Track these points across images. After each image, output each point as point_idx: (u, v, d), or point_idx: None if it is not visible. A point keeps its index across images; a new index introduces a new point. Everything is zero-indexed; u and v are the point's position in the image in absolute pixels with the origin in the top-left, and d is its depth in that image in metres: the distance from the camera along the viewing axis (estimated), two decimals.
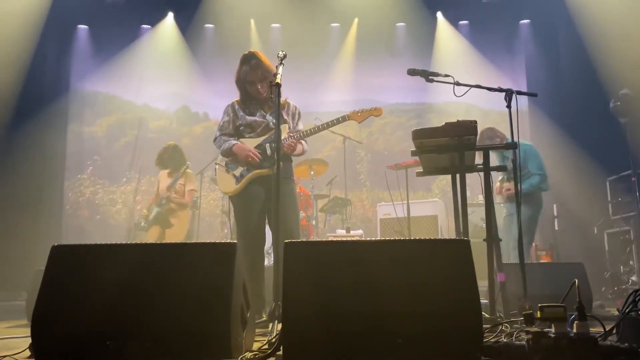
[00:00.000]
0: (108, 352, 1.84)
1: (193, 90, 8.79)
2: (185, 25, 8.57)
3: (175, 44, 8.64)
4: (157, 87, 8.71)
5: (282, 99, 3.50)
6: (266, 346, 2.18)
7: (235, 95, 3.67)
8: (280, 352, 1.90)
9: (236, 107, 3.60)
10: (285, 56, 3.14)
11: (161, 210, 5.55)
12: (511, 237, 4.96)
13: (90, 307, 1.93)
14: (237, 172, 3.51)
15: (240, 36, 8.57)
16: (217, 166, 3.64)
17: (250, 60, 3.46)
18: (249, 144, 3.51)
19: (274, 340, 2.17)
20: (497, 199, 5.25)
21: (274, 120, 3.14)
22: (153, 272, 2.00)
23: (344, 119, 3.56)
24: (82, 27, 8.48)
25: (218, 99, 7.97)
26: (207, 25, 8.70)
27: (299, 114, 3.70)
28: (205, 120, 8.80)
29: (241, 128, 3.56)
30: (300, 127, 3.65)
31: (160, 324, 1.90)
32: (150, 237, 5.59)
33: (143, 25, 8.63)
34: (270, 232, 3.71)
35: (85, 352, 1.86)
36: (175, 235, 5.58)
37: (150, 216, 5.61)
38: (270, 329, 2.58)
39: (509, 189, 5.07)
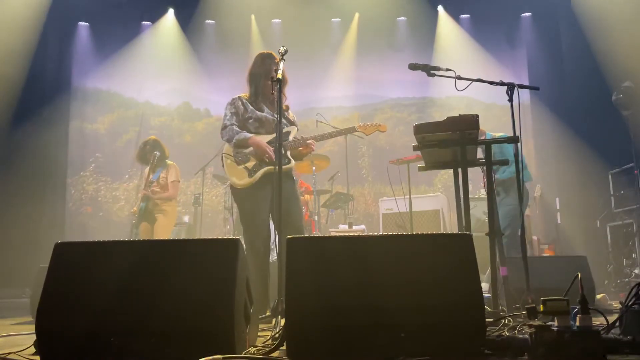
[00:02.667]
0: (112, 348, 1.85)
1: (194, 87, 8.79)
2: (186, 21, 8.58)
3: (176, 40, 8.65)
4: (158, 83, 8.72)
5: (285, 103, 3.55)
6: (270, 341, 2.19)
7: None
8: (284, 347, 1.90)
9: (244, 100, 3.62)
10: (286, 52, 3.14)
11: (146, 205, 5.46)
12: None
13: (94, 303, 1.93)
14: (250, 164, 3.51)
15: (241, 32, 8.58)
16: (224, 157, 3.59)
17: (268, 58, 3.59)
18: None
19: (277, 335, 2.18)
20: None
21: (283, 121, 3.21)
22: (156, 268, 2.01)
23: (350, 130, 3.72)
24: (83, 24, 8.49)
25: (219, 95, 7.98)
26: (207, 21, 8.70)
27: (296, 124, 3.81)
28: (207, 117, 8.80)
29: (250, 121, 3.57)
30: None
31: (164, 319, 1.90)
32: (142, 233, 5.48)
33: (144, 22, 8.64)
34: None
35: (90, 349, 1.86)
36: (163, 229, 5.47)
37: (138, 212, 5.48)
38: (273, 324, 2.59)
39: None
